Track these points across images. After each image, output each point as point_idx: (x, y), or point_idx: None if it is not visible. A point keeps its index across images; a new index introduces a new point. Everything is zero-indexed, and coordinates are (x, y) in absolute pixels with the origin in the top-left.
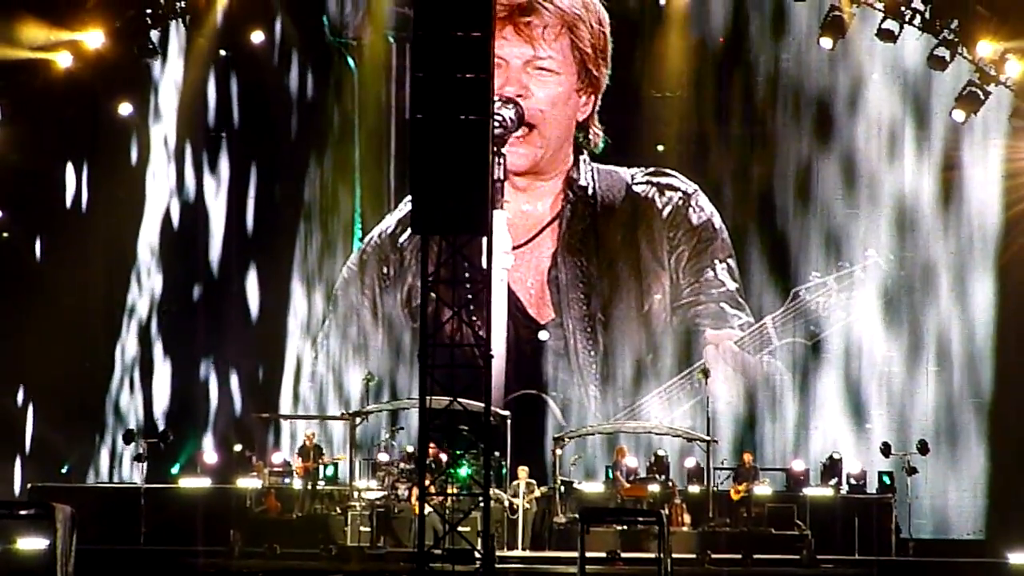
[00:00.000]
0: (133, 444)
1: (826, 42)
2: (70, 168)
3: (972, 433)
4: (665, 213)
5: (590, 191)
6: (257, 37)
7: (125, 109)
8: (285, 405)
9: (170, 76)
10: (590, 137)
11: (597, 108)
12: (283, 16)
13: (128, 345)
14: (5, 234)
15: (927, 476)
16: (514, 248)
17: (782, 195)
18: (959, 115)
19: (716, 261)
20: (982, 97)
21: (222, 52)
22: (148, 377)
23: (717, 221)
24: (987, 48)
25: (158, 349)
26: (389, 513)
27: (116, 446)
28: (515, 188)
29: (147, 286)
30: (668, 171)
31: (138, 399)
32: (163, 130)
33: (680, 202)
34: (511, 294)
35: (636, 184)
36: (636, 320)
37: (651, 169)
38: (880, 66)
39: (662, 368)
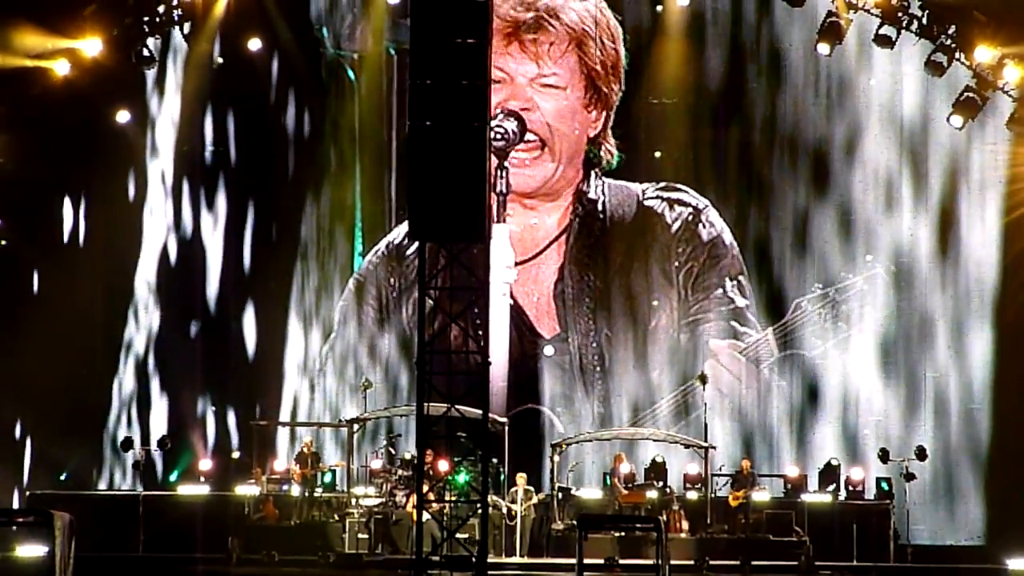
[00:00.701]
0: (131, 452)
1: (823, 48)
2: (67, 201)
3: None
4: (674, 228)
5: (599, 205)
6: (254, 44)
7: (123, 117)
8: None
9: (166, 85)
10: (602, 153)
11: (610, 124)
12: (279, 23)
13: (125, 380)
14: (3, 242)
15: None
16: (521, 262)
17: (779, 243)
18: (957, 120)
19: (726, 278)
20: (980, 103)
21: (219, 59)
22: (146, 410)
23: (727, 237)
24: (985, 54)
25: (155, 385)
26: (387, 520)
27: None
28: (523, 206)
29: (144, 322)
30: (679, 186)
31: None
32: (160, 165)
33: (690, 217)
34: (516, 307)
35: (646, 199)
36: (643, 336)
37: (662, 184)
38: (876, 117)
39: (668, 384)
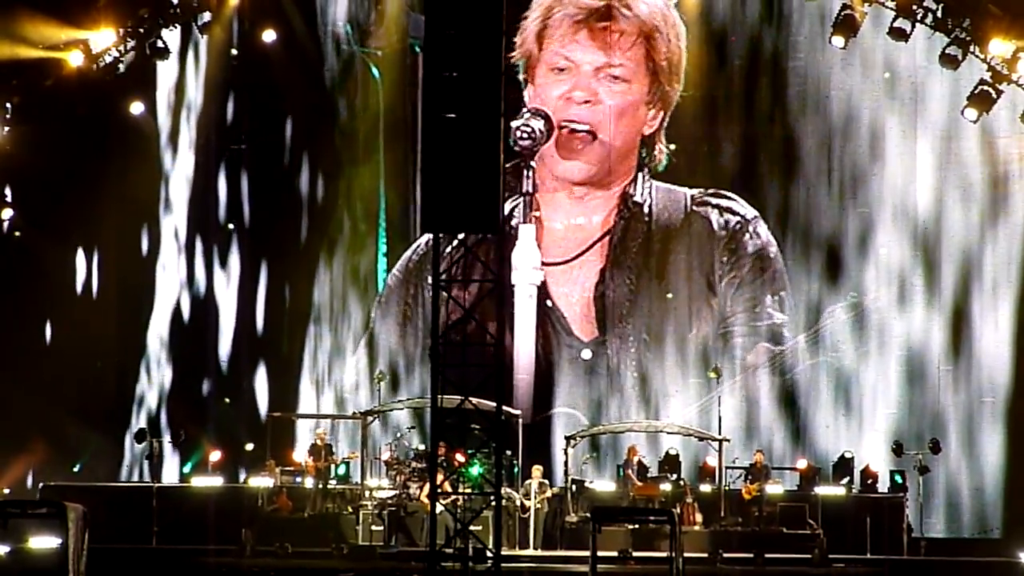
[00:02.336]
0: (145, 443)
1: (838, 41)
2: (80, 253)
3: (988, 434)
4: (721, 236)
5: (646, 208)
6: (269, 36)
7: (136, 108)
8: None
9: (178, 77)
10: (655, 154)
11: (665, 124)
12: (295, 16)
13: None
14: (17, 233)
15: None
16: (563, 262)
17: (792, 331)
18: (971, 114)
19: (767, 293)
20: (994, 96)
21: (233, 51)
22: (158, 468)
23: (773, 250)
24: (999, 47)
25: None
26: (401, 512)
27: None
28: (572, 197)
29: (156, 377)
30: (729, 194)
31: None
32: (173, 221)
33: (738, 226)
34: (555, 309)
35: (695, 204)
36: (680, 343)
37: (711, 190)
38: (890, 208)
39: (698, 392)
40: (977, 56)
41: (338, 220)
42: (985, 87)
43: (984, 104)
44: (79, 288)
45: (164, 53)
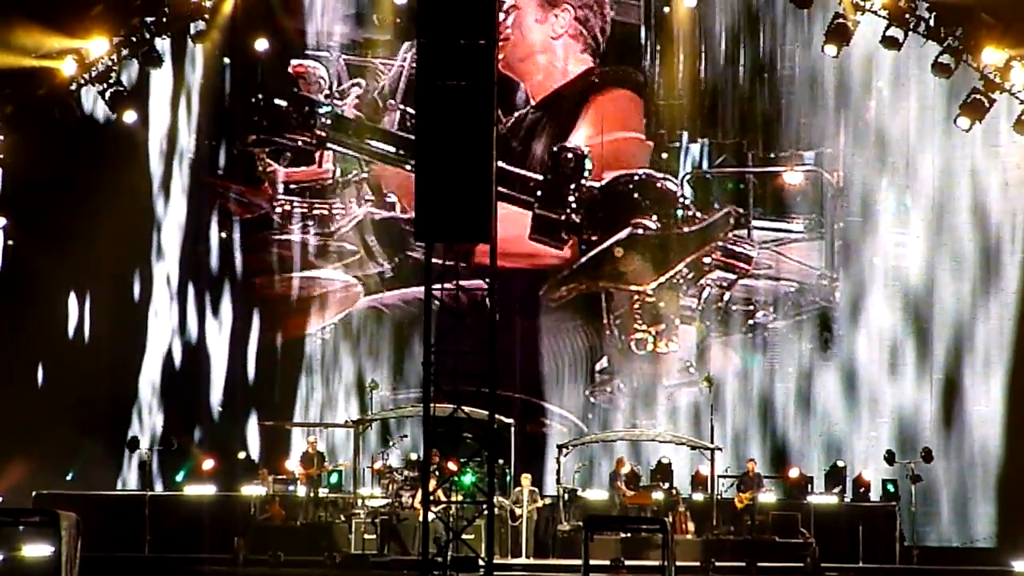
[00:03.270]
0: (137, 452)
1: (830, 50)
2: (73, 297)
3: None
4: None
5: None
6: (261, 45)
7: (129, 117)
8: None
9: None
10: None
11: None
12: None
13: (128, 481)
14: (10, 242)
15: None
16: None
17: (783, 397)
18: (963, 123)
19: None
20: (987, 104)
21: (226, 60)
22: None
23: None
24: (992, 55)
25: (158, 488)
26: (393, 520)
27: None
28: None
29: (148, 423)
30: None
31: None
32: (166, 268)
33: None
34: None
35: None
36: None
37: None
38: (881, 277)
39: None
40: (970, 65)
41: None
42: (978, 95)
43: (977, 113)
44: (71, 332)
45: (157, 62)
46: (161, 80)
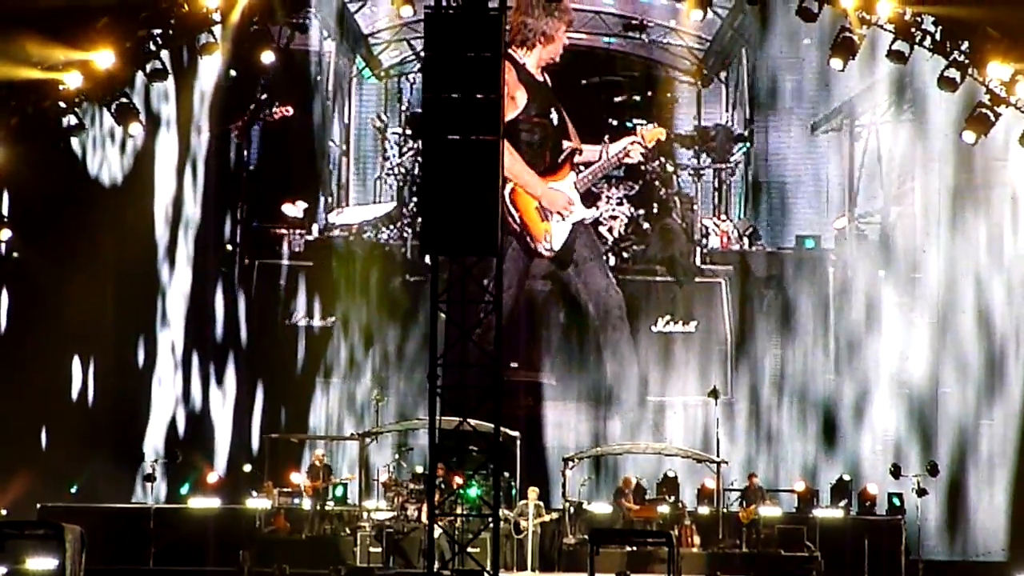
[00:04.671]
0: (142, 464)
1: (836, 63)
2: (76, 361)
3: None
4: None
5: None
6: (267, 58)
7: (135, 129)
8: None
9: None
10: None
11: None
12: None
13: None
14: (15, 254)
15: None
16: None
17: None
18: (969, 136)
19: None
20: (992, 119)
21: (232, 72)
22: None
23: None
24: (998, 69)
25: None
26: (397, 535)
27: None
28: None
29: (150, 491)
30: None
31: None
32: (170, 336)
33: None
34: None
35: None
36: None
37: None
38: (886, 381)
39: None
40: (976, 79)
41: (334, 347)
42: (984, 110)
43: (982, 126)
44: (75, 395)
45: (162, 75)
46: (166, 143)
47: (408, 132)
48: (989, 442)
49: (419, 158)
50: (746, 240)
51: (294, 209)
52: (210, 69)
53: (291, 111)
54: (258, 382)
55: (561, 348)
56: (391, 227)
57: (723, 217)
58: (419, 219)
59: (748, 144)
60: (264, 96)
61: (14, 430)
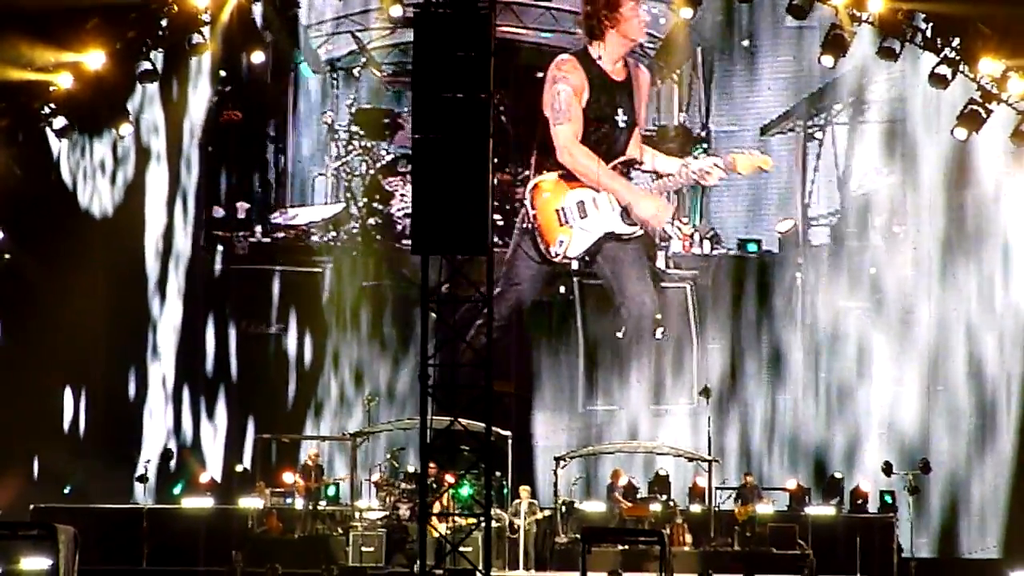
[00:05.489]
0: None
1: (827, 60)
2: (68, 392)
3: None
4: None
5: None
6: (257, 58)
7: (125, 131)
8: None
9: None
10: None
11: None
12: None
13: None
14: (7, 255)
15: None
16: None
17: None
18: (961, 133)
19: None
20: (984, 116)
21: (221, 72)
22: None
23: None
24: (990, 66)
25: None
26: (391, 533)
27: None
28: None
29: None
30: None
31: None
32: (161, 369)
33: None
34: None
35: None
36: None
37: None
38: (876, 423)
39: None
40: (967, 75)
41: (325, 384)
42: (975, 107)
43: (974, 124)
44: (66, 426)
45: (152, 76)
46: (157, 175)
47: (355, 129)
48: (980, 496)
49: (367, 157)
50: (707, 244)
51: (240, 210)
52: (200, 101)
53: (239, 115)
54: (249, 417)
55: (556, 365)
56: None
57: (684, 220)
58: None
59: (706, 145)
60: (216, 99)
61: (6, 462)
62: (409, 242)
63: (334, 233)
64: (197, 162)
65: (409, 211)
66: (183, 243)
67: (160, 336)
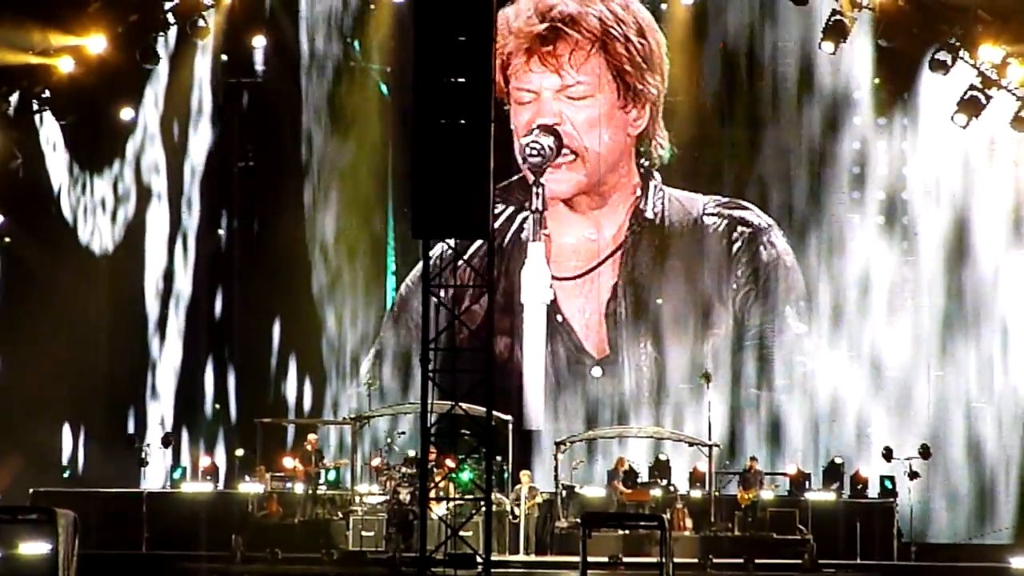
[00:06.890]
0: (135, 448)
1: (828, 46)
2: (67, 429)
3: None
4: (734, 248)
5: (658, 220)
6: (259, 42)
7: (127, 114)
8: None
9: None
10: (651, 149)
11: (658, 117)
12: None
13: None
14: (7, 239)
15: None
16: (575, 276)
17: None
18: (961, 119)
19: (786, 304)
20: (983, 102)
21: (223, 57)
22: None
23: (789, 259)
24: (989, 52)
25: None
26: (391, 517)
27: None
28: (577, 212)
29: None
30: (743, 203)
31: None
32: (160, 410)
33: (750, 237)
34: (566, 325)
35: (707, 214)
36: (696, 360)
37: (726, 199)
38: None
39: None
40: (967, 62)
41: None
42: (975, 92)
43: (974, 110)
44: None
45: (154, 58)
46: (157, 215)
47: None
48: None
49: None
50: None
51: None
52: (201, 142)
53: None
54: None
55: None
56: None
57: None
58: None
59: None
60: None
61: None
62: None
63: None
64: (198, 205)
65: None
66: (184, 284)
67: (159, 377)
